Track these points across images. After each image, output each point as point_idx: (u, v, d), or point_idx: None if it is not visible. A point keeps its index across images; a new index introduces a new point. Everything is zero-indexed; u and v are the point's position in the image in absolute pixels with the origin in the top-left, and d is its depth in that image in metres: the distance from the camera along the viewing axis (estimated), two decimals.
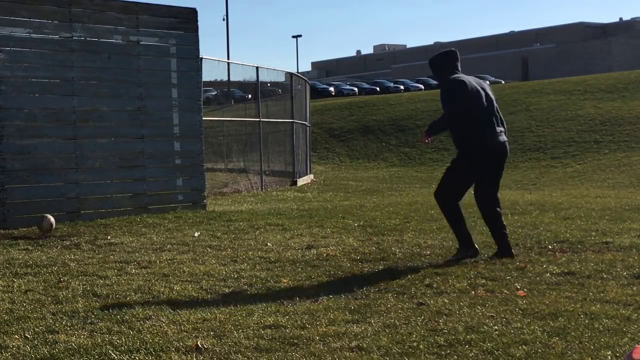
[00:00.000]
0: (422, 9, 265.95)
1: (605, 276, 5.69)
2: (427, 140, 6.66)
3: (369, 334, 4.18)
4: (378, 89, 58.76)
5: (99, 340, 4.12)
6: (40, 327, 4.42)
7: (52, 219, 8.78)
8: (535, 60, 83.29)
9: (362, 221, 9.64)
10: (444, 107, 6.62)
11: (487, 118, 6.61)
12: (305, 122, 21.80)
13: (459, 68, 6.85)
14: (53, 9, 10.07)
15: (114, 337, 4.17)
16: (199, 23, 11.37)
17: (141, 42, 10.86)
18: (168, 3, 11.45)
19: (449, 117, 6.53)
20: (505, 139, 6.74)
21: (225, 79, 29.29)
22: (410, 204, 12.35)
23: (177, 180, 11.28)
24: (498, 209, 6.80)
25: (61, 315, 4.72)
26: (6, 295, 5.40)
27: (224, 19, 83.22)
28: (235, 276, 6.01)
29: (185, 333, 4.28)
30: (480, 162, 6.64)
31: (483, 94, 6.62)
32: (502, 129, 6.73)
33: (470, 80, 6.69)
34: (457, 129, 6.63)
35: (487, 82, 6.77)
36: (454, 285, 5.51)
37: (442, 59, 6.83)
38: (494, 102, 6.79)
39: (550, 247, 7.21)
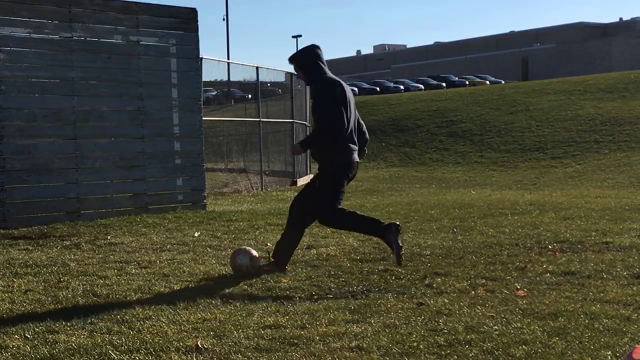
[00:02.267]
0: (422, 9, 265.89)
1: (605, 276, 5.69)
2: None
3: (369, 334, 4.18)
4: (378, 89, 58.74)
5: (99, 340, 4.12)
6: (40, 327, 4.42)
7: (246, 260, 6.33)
8: (535, 60, 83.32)
9: None
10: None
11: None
12: (305, 122, 21.79)
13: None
14: (53, 9, 10.07)
15: (114, 337, 4.17)
16: (199, 23, 11.38)
17: (141, 42, 10.86)
18: (168, 3, 11.47)
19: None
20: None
21: (225, 79, 29.29)
22: (410, 204, 12.35)
23: (177, 180, 11.28)
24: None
25: (61, 315, 4.72)
26: (6, 295, 5.40)
27: (224, 19, 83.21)
28: (235, 276, 6.01)
29: (185, 333, 4.28)
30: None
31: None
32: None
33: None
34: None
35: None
36: (454, 285, 5.50)
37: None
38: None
39: (550, 247, 7.21)
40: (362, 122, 6.60)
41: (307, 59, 6.31)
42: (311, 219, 6.46)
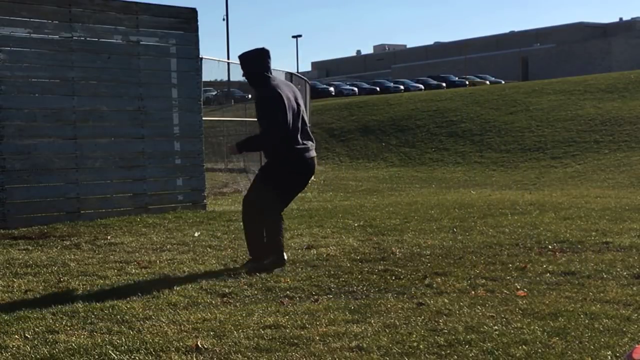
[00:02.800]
0: (422, 9, 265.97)
1: (605, 276, 5.69)
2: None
3: (369, 334, 4.18)
4: (378, 89, 58.74)
5: (99, 340, 4.12)
6: (40, 327, 4.42)
7: None
8: (535, 60, 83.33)
9: (362, 221, 9.63)
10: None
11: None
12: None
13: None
14: (53, 9, 10.07)
15: (114, 337, 4.17)
16: (199, 23, 11.37)
17: (141, 42, 10.86)
18: (168, 3, 11.46)
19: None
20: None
21: (225, 79, 29.28)
22: (410, 204, 12.35)
23: (177, 180, 11.28)
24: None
25: (61, 315, 4.72)
26: (6, 295, 5.40)
27: (224, 19, 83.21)
28: (235, 276, 6.01)
29: (185, 333, 4.28)
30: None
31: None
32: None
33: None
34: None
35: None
36: (454, 285, 5.50)
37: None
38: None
39: (550, 247, 7.21)
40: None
41: (254, 67, 6.34)
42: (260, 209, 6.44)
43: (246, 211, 6.49)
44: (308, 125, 6.55)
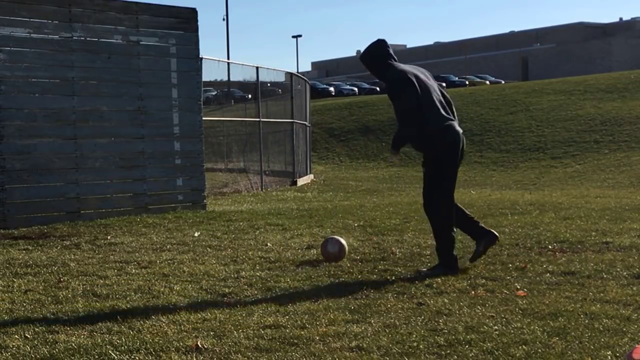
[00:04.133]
0: (422, 9, 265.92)
1: (605, 276, 5.69)
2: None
3: (369, 334, 4.18)
4: (378, 89, 58.73)
5: (99, 340, 4.12)
6: (40, 327, 4.42)
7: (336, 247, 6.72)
8: (535, 60, 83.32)
9: (362, 221, 9.64)
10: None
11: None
12: (305, 122, 21.80)
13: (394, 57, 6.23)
14: (53, 9, 10.07)
15: (114, 337, 4.17)
16: (199, 23, 11.38)
17: (141, 42, 10.86)
18: (168, 3, 11.47)
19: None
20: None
21: (225, 79, 29.26)
22: (410, 204, 12.35)
23: (177, 180, 11.28)
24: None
25: (61, 315, 4.72)
26: (6, 295, 5.40)
27: (224, 19, 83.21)
28: (235, 276, 6.01)
29: (185, 333, 4.28)
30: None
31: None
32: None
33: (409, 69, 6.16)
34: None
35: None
36: (454, 285, 5.51)
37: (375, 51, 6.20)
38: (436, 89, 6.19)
39: (550, 247, 7.21)
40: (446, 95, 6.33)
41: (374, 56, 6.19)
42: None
43: (441, 213, 6.05)
44: (452, 103, 6.27)
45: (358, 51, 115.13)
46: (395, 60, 6.20)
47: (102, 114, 10.50)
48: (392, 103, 6.11)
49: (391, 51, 6.20)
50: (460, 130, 6.20)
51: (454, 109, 6.29)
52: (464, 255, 6.78)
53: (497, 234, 6.30)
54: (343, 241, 6.74)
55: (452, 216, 6.10)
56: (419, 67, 6.37)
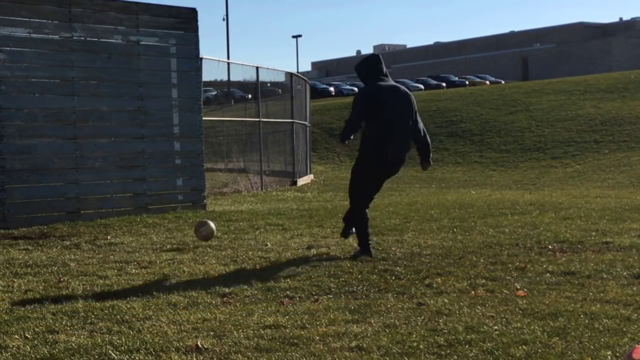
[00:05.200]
0: (422, 9, 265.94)
1: (605, 276, 5.69)
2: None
3: (369, 334, 4.18)
4: None
5: (99, 340, 4.12)
6: (40, 327, 4.42)
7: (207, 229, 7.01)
8: (535, 60, 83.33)
9: None
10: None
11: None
12: (305, 122, 21.79)
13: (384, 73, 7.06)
14: (53, 9, 10.07)
15: (114, 337, 4.17)
16: (199, 23, 11.38)
17: (141, 42, 10.86)
18: (168, 3, 11.46)
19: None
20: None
21: (225, 79, 29.26)
22: (410, 204, 12.35)
23: (177, 180, 11.28)
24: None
25: (61, 315, 4.72)
26: (6, 295, 5.40)
27: (224, 19, 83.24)
28: (235, 276, 6.01)
29: (185, 333, 4.28)
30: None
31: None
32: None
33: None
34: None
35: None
36: (454, 285, 5.51)
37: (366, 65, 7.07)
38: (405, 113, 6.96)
39: (550, 247, 7.21)
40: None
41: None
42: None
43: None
44: (418, 130, 7.23)
45: (358, 51, 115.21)
46: (379, 77, 6.99)
47: (102, 114, 10.50)
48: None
49: (381, 68, 7.03)
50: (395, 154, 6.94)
51: (419, 133, 7.18)
52: (464, 256, 6.78)
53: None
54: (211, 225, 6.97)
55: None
56: (398, 89, 7.02)
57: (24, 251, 7.57)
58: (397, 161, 6.95)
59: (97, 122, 10.48)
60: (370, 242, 6.92)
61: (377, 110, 6.79)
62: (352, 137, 6.95)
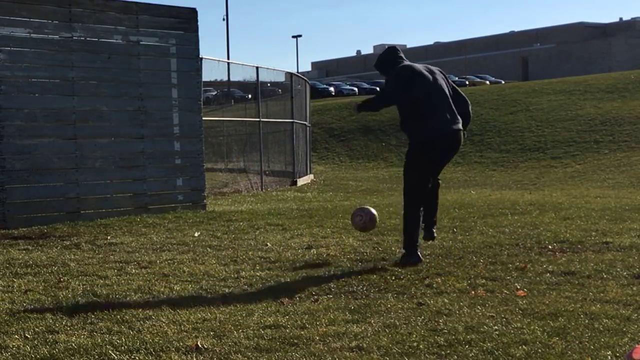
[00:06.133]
0: (422, 9, 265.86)
1: (605, 276, 5.69)
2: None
3: (369, 334, 4.18)
4: (378, 89, 58.69)
5: (99, 340, 4.12)
6: (40, 327, 4.42)
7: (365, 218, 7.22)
8: (535, 60, 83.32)
9: None
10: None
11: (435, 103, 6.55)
12: (305, 122, 21.79)
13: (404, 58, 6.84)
14: (53, 9, 10.07)
15: (114, 337, 4.17)
16: (199, 23, 11.38)
17: (141, 42, 10.86)
18: (168, 3, 11.47)
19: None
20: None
21: (225, 79, 29.26)
22: None
23: (177, 180, 11.28)
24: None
25: (61, 315, 4.72)
26: (6, 295, 5.40)
27: (224, 19, 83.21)
28: (235, 276, 6.01)
29: (185, 333, 4.28)
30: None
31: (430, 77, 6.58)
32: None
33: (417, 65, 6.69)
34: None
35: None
36: (454, 285, 5.51)
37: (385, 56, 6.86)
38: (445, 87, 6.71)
39: (550, 247, 7.21)
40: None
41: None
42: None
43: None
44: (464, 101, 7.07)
45: (358, 51, 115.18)
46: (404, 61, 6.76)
47: (102, 114, 10.50)
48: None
49: (401, 55, 6.79)
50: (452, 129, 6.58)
51: (465, 106, 6.92)
52: (464, 256, 6.78)
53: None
54: (373, 211, 7.15)
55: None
56: (431, 67, 6.82)
57: (24, 251, 7.57)
58: (456, 135, 6.58)
59: (97, 122, 10.48)
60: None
61: (416, 83, 6.50)
62: (367, 110, 6.86)
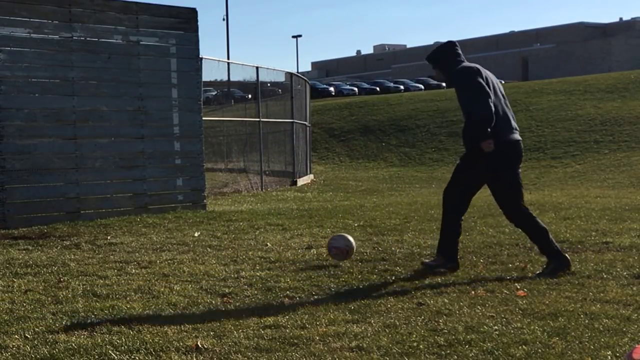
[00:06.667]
0: (422, 9, 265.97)
1: (605, 276, 5.69)
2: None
3: (369, 334, 4.18)
4: (378, 89, 58.75)
5: (99, 340, 4.12)
6: (40, 327, 4.42)
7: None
8: (535, 60, 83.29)
9: (362, 221, 9.63)
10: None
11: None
12: (305, 122, 21.79)
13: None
14: (53, 9, 10.07)
15: (114, 337, 4.17)
16: (199, 23, 11.37)
17: (141, 42, 10.86)
18: (168, 3, 11.47)
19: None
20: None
21: (225, 79, 29.28)
22: (410, 204, 12.35)
23: (177, 180, 11.28)
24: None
25: (61, 315, 4.72)
26: (6, 295, 5.40)
27: (224, 19, 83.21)
28: (235, 276, 6.01)
29: (185, 333, 4.28)
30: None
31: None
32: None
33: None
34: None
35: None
36: (454, 285, 5.51)
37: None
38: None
39: None
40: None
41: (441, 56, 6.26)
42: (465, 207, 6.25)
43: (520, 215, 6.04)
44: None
45: (358, 51, 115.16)
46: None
47: (102, 114, 10.50)
48: (459, 94, 6.09)
49: (460, 52, 6.29)
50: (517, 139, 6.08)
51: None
52: (464, 256, 6.78)
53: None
54: (350, 239, 6.65)
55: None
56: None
57: (24, 251, 7.57)
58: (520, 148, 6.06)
59: (97, 122, 10.48)
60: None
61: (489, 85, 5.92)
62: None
